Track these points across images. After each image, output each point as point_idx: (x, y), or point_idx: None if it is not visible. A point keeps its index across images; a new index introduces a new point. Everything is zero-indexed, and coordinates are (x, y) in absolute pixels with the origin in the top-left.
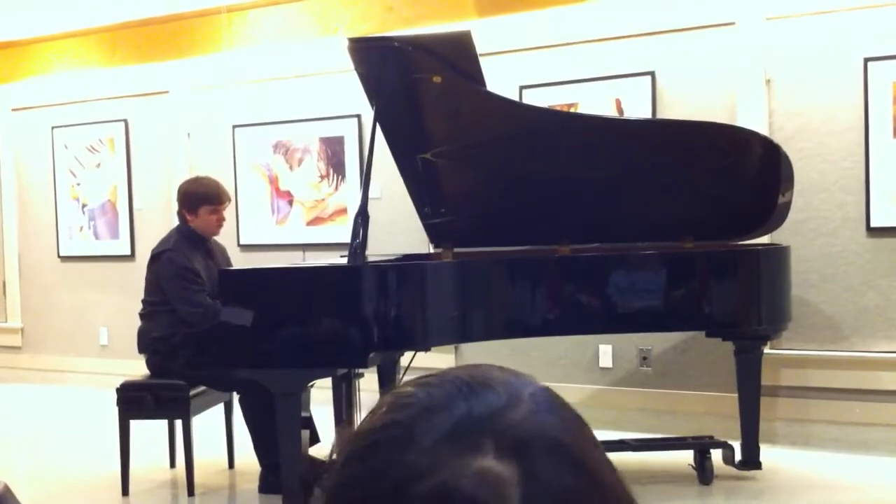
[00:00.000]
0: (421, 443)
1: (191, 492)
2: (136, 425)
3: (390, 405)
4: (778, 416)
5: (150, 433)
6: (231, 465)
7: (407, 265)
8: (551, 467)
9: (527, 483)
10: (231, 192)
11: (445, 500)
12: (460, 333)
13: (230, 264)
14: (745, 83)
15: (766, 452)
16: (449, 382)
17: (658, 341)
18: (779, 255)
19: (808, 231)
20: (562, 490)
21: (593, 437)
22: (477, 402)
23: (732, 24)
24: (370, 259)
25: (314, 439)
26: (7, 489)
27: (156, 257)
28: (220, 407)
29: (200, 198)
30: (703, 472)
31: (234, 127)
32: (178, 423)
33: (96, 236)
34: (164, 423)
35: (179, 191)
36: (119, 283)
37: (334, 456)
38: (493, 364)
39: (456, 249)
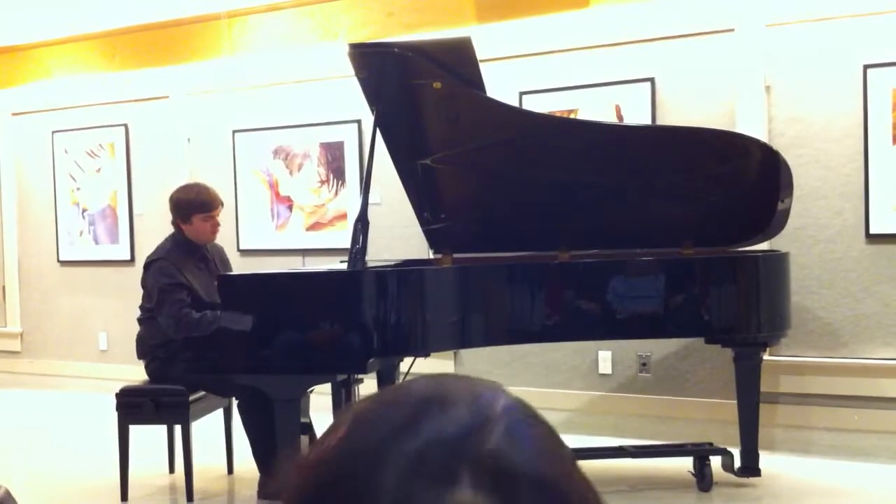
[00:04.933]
0: (388, 472)
1: (190, 497)
2: (135, 430)
3: (350, 427)
4: (777, 422)
5: (149, 438)
6: (230, 470)
7: (406, 271)
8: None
9: None
10: (231, 198)
11: None
12: (459, 339)
13: (228, 265)
14: (745, 89)
15: (766, 459)
16: (412, 397)
17: (657, 347)
18: (778, 261)
19: (808, 238)
20: None
21: (570, 455)
22: (446, 420)
23: (732, 30)
24: (370, 265)
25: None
26: (8, 494)
27: (147, 266)
28: (220, 412)
29: (192, 206)
30: (703, 478)
31: (235, 132)
32: (178, 429)
33: (96, 241)
34: (163, 428)
35: (171, 200)
36: (119, 288)
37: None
38: (457, 374)
39: (455, 255)
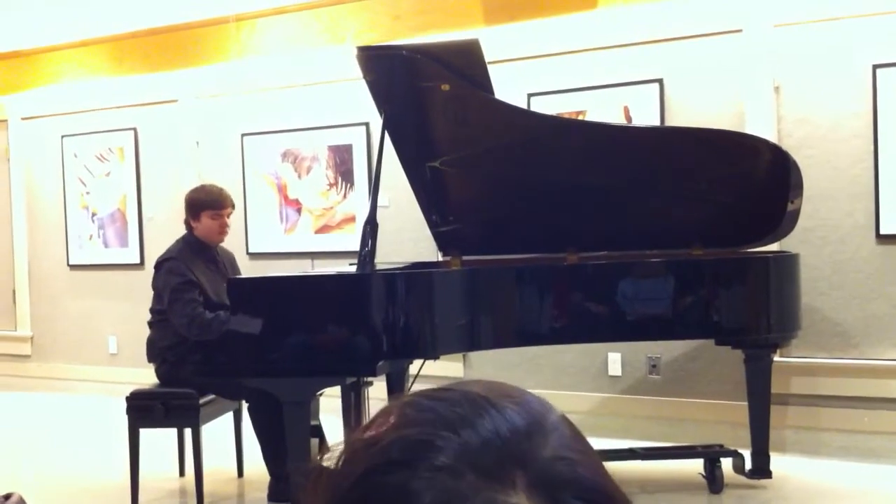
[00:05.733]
0: (448, 464)
1: (200, 500)
2: (145, 434)
3: (405, 417)
4: (788, 424)
5: (159, 442)
6: (240, 473)
7: (415, 273)
8: None
9: None
10: (239, 201)
11: None
12: (469, 342)
13: (238, 272)
14: (754, 90)
15: (776, 461)
16: (462, 395)
17: (667, 349)
18: (788, 262)
19: (817, 238)
20: None
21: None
22: (501, 420)
23: (740, 31)
24: (379, 267)
25: (323, 448)
26: (21, 501)
27: (158, 266)
28: (230, 415)
29: (202, 204)
30: (714, 480)
31: (243, 135)
32: (188, 432)
33: (105, 245)
34: (173, 431)
35: (185, 199)
36: (128, 292)
37: (334, 461)
38: (500, 381)
39: (464, 257)
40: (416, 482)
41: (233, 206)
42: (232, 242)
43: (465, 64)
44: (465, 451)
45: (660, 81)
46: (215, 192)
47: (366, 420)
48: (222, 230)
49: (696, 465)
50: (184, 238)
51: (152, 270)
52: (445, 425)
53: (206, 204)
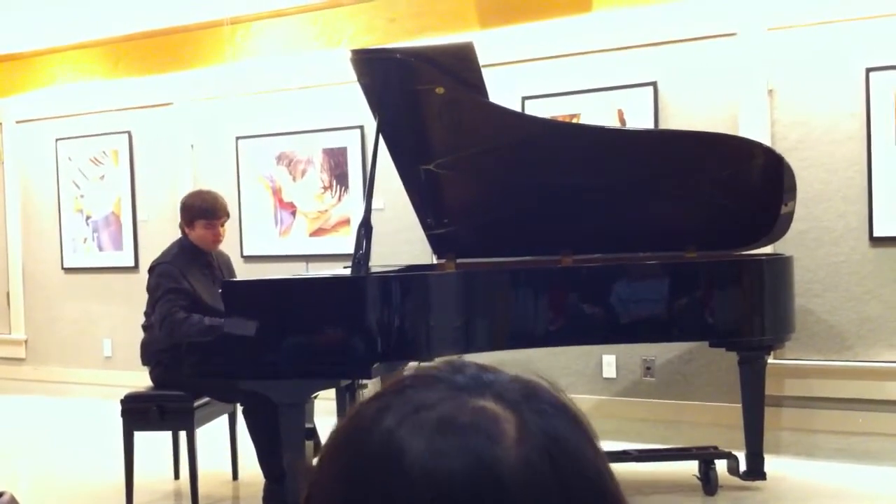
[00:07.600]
0: (431, 387)
1: (195, 503)
2: (140, 437)
3: (400, 379)
4: (782, 426)
5: (154, 444)
6: (235, 476)
7: (410, 276)
8: (547, 415)
9: (523, 420)
10: (234, 204)
11: (449, 425)
12: (464, 344)
13: (233, 274)
14: (748, 93)
15: (771, 463)
16: (459, 363)
17: (662, 351)
18: (782, 264)
19: (811, 241)
20: (555, 431)
21: None
22: (486, 372)
23: (734, 34)
24: (373, 270)
25: (318, 450)
26: (13, 500)
27: (151, 269)
28: (225, 418)
29: (197, 211)
30: (708, 482)
31: (238, 138)
32: (183, 435)
33: (100, 248)
34: (168, 434)
35: (180, 203)
36: (123, 295)
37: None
38: None
39: (459, 260)
40: (405, 399)
41: (227, 215)
42: (227, 245)
43: (460, 67)
44: (454, 384)
45: (654, 85)
46: (210, 200)
47: None
48: (216, 239)
49: (690, 467)
50: (179, 242)
51: (146, 274)
52: (434, 377)
53: (199, 212)
